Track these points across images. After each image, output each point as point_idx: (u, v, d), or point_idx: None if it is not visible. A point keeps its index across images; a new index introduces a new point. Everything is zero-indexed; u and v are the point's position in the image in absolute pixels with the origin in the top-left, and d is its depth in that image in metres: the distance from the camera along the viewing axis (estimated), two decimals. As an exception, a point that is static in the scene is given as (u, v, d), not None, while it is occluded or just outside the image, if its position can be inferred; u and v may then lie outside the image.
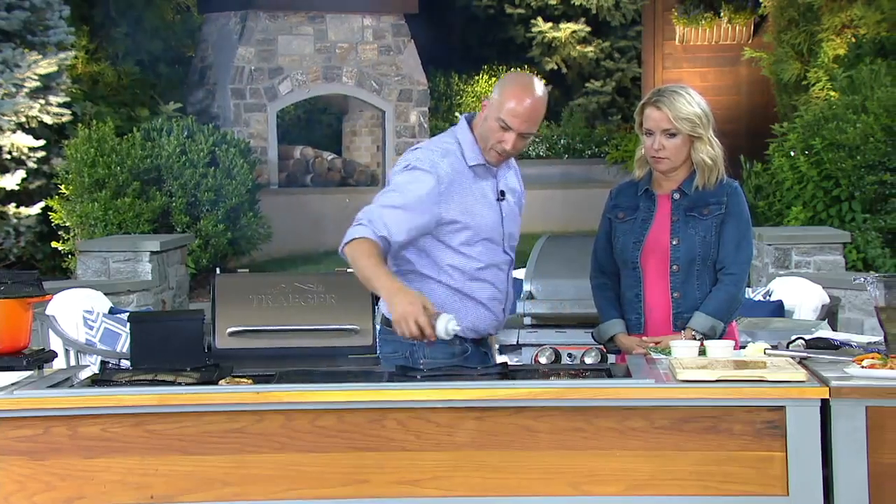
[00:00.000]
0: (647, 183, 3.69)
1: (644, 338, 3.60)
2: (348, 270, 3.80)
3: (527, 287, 4.95)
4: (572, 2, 13.95)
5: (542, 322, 4.60)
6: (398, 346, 3.48)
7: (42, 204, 9.19)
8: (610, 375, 3.33)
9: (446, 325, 3.21)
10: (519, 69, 13.89)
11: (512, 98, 3.37)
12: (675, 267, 3.61)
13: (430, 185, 3.34)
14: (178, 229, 9.26)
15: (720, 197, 3.63)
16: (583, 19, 14.02)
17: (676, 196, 3.64)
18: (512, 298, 3.62)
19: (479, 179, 3.45)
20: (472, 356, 3.50)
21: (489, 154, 3.43)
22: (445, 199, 3.37)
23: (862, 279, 3.47)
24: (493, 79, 13.85)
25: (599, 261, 3.74)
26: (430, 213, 3.35)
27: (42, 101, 9.20)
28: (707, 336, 3.54)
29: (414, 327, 3.20)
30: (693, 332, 3.55)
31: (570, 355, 4.43)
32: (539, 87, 3.43)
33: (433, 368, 3.32)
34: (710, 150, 3.63)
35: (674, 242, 3.62)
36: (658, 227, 3.64)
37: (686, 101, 3.58)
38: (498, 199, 3.47)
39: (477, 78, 13.75)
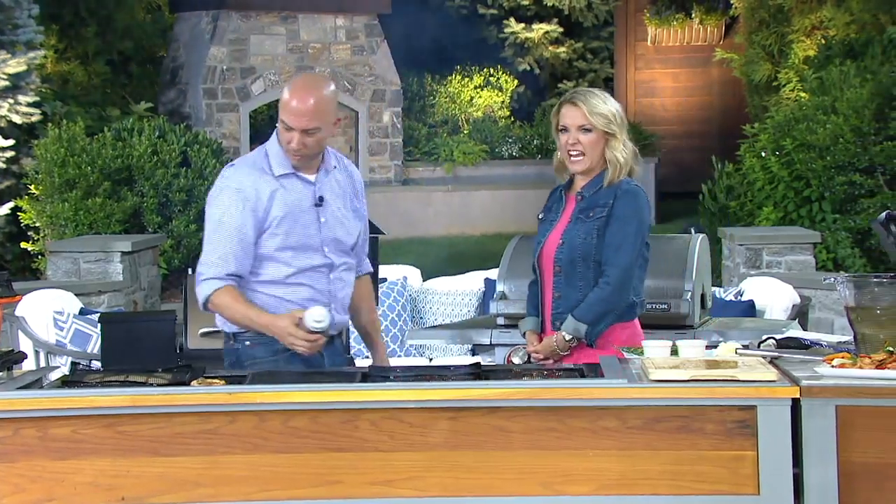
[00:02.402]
0: (566, 185, 3.73)
1: (531, 347, 3.69)
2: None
3: (500, 287, 4.96)
4: (545, 2, 13.96)
5: (515, 322, 4.60)
6: (228, 352, 3.61)
7: (11, 204, 9.12)
8: (583, 375, 3.34)
9: (311, 321, 3.40)
10: (491, 70, 13.91)
11: (288, 98, 3.48)
12: (557, 268, 3.64)
13: (240, 206, 3.50)
14: (150, 230, 9.21)
15: (608, 199, 3.63)
16: (555, 20, 14.04)
17: (579, 198, 3.68)
18: (369, 298, 3.78)
19: (290, 188, 3.54)
20: (294, 356, 3.51)
21: (290, 158, 3.53)
22: (256, 211, 3.50)
23: (832, 279, 3.50)
24: (466, 79, 13.86)
25: (532, 261, 3.79)
26: (254, 230, 3.50)
27: (11, 101, 9.13)
28: (577, 339, 3.59)
29: (298, 342, 3.42)
30: (562, 335, 3.59)
31: (542, 355, 4.43)
32: (316, 84, 3.50)
33: (405, 369, 3.34)
34: (624, 151, 3.64)
35: (559, 244, 3.65)
36: (557, 228, 3.69)
37: (601, 100, 3.64)
38: (315, 205, 3.54)
39: (450, 78, 13.75)
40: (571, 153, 3.64)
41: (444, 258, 10.59)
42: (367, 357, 3.91)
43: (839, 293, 3.41)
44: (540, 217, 3.76)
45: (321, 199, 3.55)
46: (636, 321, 3.71)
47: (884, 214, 3.53)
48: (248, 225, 3.49)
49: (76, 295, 6.22)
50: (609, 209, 3.61)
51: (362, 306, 3.76)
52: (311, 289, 3.54)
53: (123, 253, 7.51)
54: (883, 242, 3.56)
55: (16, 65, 9.07)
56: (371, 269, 3.84)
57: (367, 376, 3.32)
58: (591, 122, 3.61)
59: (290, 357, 3.50)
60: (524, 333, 3.76)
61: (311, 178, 3.57)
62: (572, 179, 3.72)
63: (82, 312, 5.97)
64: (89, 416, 3.09)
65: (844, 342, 3.48)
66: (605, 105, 3.62)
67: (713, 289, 5.57)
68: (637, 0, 14.49)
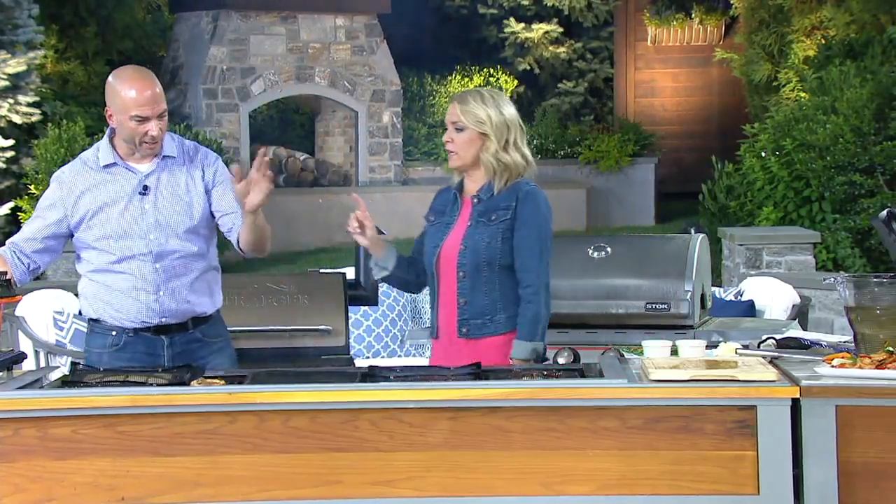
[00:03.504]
0: (459, 186, 3.72)
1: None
2: (321, 271, 3.79)
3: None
4: (545, 2, 13.96)
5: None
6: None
7: (11, 204, 9.12)
8: (582, 375, 3.34)
9: None
10: (491, 70, 13.91)
11: (129, 92, 3.54)
12: (461, 273, 3.61)
13: (54, 191, 3.68)
14: (150, 230, 9.20)
15: (510, 201, 3.62)
16: (555, 20, 14.04)
17: (475, 200, 3.66)
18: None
19: (114, 179, 3.65)
20: (128, 346, 3.63)
21: (143, 149, 3.63)
22: (69, 201, 3.64)
23: (832, 279, 3.50)
24: (466, 79, 13.85)
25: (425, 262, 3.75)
26: (56, 217, 3.65)
27: (11, 101, 9.13)
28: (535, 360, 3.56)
29: None
30: (517, 361, 3.56)
31: (542, 355, 4.43)
32: (143, 72, 3.62)
33: (405, 368, 3.35)
34: (504, 155, 3.63)
35: (461, 248, 3.63)
36: (455, 231, 3.66)
37: (482, 101, 3.65)
38: (141, 193, 3.63)
39: (450, 78, 13.74)
40: (448, 150, 3.68)
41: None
42: (368, 357, 3.92)
43: (839, 293, 3.41)
44: (431, 219, 3.72)
45: (146, 187, 3.63)
46: None
47: (885, 212, 3.53)
48: (52, 209, 3.65)
49: (76, 295, 6.21)
50: (513, 212, 3.61)
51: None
52: (132, 277, 3.62)
53: (123, 253, 7.50)
54: (884, 240, 3.56)
55: (16, 65, 9.07)
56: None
57: (367, 376, 3.32)
58: (462, 120, 3.63)
59: (116, 353, 3.63)
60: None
61: (142, 167, 3.65)
62: (463, 182, 3.71)
63: (82, 312, 5.96)
64: (89, 416, 3.09)
65: (844, 342, 3.48)
66: (485, 106, 3.63)
67: (713, 289, 5.57)
68: (637, 0, 14.49)
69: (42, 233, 3.67)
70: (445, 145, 3.69)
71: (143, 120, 3.56)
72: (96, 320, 3.70)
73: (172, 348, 3.64)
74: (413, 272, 3.74)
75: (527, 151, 3.68)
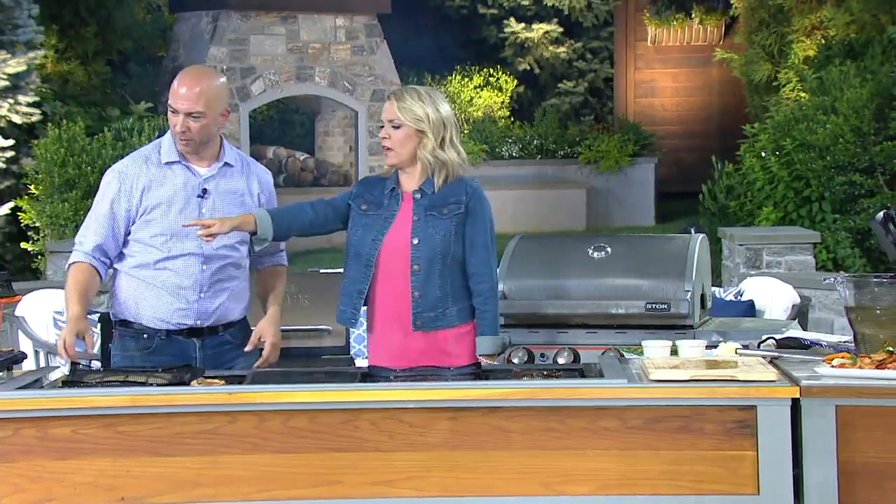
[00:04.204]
0: (394, 181, 3.72)
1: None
2: (321, 271, 3.79)
3: (500, 287, 4.95)
4: (545, 2, 13.96)
5: (514, 322, 4.60)
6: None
7: (11, 204, 9.11)
8: (582, 375, 3.34)
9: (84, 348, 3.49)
10: (491, 70, 13.90)
11: (177, 86, 3.62)
12: (415, 266, 3.63)
13: (115, 187, 3.66)
14: (150, 230, 9.20)
15: (459, 196, 3.66)
16: (555, 20, 14.04)
17: (418, 196, 3.68)
18: (274, 289, 3.80)
19: (174, 176, 3.66)
20: (160, 349, 3.61)
21: (178, 143, 3.66)
22: (135, 195, 3.63)
23: (832, 279, 3.50)
24: (466, 79, 13.84)
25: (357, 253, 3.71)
26: (124, 209, 3.64)
27: (11, 101, 9.12)
28: (500, 354, 3.63)
29: (61, 349, 3.46)
30: (484, 358, 3.61)
31: (542, 355, 4.43)
32: (205, 74, 3.68)
33: (405, 369, 3.33)
34: (441, 153, 3.65)
35: (414, 242, 3.64)
36: (399, 225, 3.67)
37: (419, 99, 3.66)
38: (199, 196, 3.64)
39: (450, 78, 13.73)
40: (384, 147, 3.70)
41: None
42: (367, 357, 3.91)
43: (839, 293, 3.41)
44: (363, 208, 3.70)
45: (205, 191, 3.65)
46: None
47: (882, 213, 3.53)
48: (113, 205, 3.63)
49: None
50: (465, 206, 3.64)
51: (268, 296, 3.80)
52: (178, 275, 3.62)
53: (123, 253, 7.50)
54: (881, 241, 3.56)
55: (16, 65, 9.06)
56: (285, 263, 3.89)
57: (367, 376, 3.32)
58: (399, 118, 3.65)
59: (152, 353, 3.61)
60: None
61: (202, 169, 3.67)
62: (396, 176, 3.72)
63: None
64: (89, 416, 3.09)
65: (844, 342, 3.48)
66: (421, 104, 3.64)
67: (713, 289, 5.57)
68: (637, 0, 14.49)
69: (113, 228, 3.63)
70: (382, 142, 3.71)
71: (174, 112, 3.61)
72: (127, 324, 3.66)
73: (204, 350, 3.64)
74: (304, 221, 3.70)
75: (461, 148, 3.71)
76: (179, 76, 3.64)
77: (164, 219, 3.62)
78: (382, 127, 3.71)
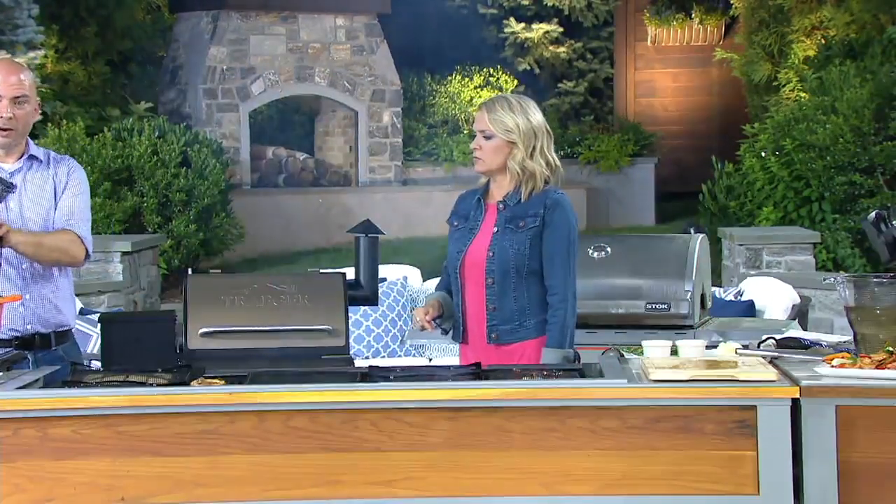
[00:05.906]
0: (483, 192, 3.73)
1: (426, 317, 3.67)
2: (321, 271, 3.78)
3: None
4: (545, 2, 13.96)
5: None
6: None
7: (11, 204, 9.11)
8: (583, 375, 3.34)
9: None
10: (491, 70, 13.90)
11: None
12: (489, 280, 3.63)
13: None
14: (150, 230, 9.21)
15: (538, 209, 3.64)
16: (555, 20, 14.04)
17: (501, 206, 3.67)
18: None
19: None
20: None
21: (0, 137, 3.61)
22: None
23: (832, 279, 3.50)
24: (466, 79, 13.84)
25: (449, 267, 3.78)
26: None
27: (11, 101, 9.11)
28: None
29: None
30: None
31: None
32: (17, 64, 3.76)
33: (405, 369, 3.36)
34: (530, 163, 3.64)
35: (489, 255, 3.64)
36: (481, 237, 3.67)
37: (509, 109, 3.64)
38: (6, 192, 3.59)
39: (450, 78, 13.73)
40: (474, 156, 3.69)
41: (444, 258, 10.58)
42: (368, 357, 3.92)
43: (839, 293, 3.41)
44: (454, 224, 3.73)
45: (11, 185, 3.58)
46: None
47: (874, 214, 3.53)
48: None
49: (76, 295, 6.21)
50: (541, 219, 3.62)
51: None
52: None
53: (123, 253, 7.51)
54: (873, 242, 3.55)
55: (16, 65, 9.05)
56: (79, 234, 3.74)
57: (367, 376, 3.32)
58: (490, 129, 3.64)
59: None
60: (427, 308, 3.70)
61: (6, 165, 3.63)
62: (488, 188, 3.73)
63: (82, 312, 5.96)
64: (89, 416, 3.09)
65: (844, 342, 3.48)
66: (512, 114, 3.63)
67: (713, 289, 5.57)
68: (637, 0, 14.49)
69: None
70: (473, 152, 3.70)
71: None
72: None
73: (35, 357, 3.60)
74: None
75: (553, 156, 3.68)
76: None
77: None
78: (474, 137, 3.68)
